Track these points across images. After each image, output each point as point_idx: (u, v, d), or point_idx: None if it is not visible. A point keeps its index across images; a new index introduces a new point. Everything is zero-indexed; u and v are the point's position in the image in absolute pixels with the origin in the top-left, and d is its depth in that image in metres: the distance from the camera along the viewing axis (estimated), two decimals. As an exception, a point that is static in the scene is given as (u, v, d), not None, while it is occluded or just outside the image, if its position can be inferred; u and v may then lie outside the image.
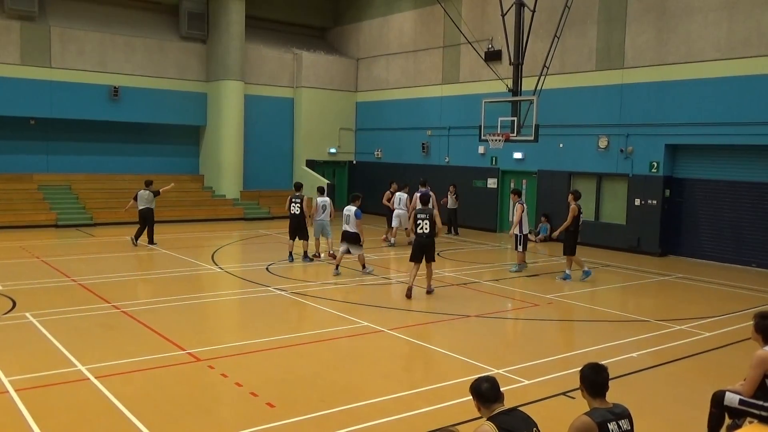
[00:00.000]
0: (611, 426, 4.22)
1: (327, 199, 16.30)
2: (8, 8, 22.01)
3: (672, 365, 8.77)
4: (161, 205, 23.26)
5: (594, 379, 4.43)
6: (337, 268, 14.56)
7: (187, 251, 17.50)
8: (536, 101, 17.33)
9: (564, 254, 14.63)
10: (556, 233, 14.64)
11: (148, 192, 18.06)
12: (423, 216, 12.40)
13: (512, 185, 21.71)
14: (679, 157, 18.44)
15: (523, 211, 15.27)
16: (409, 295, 12.28)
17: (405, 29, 26.35)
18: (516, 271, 15.40)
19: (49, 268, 14.40)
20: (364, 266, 14.75)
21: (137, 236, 17.94)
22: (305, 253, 16.27)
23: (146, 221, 18.02)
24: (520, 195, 16.14)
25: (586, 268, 14.60)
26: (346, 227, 14.45)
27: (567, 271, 14.65)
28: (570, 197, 14.57)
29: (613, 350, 9.30)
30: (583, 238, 19.66)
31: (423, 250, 12.44)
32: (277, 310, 11.62)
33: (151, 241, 18.09)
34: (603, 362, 8.81)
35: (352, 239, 14.36)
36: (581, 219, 14.44)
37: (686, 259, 18.02)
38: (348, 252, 14.61)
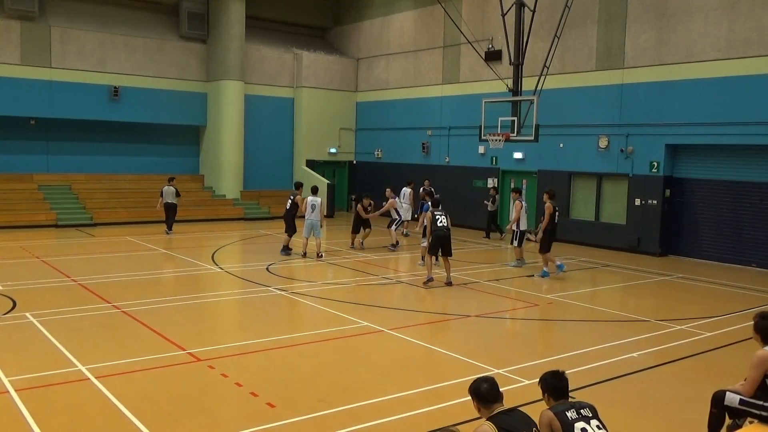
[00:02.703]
0: (569, 413, 4.46)
1: (318, 198, 16.66)
2: (8, 8, 22.00)
3: (672, 365, 8.76)
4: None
5: (555, 385, 4.73)
6: (423, 259, 15.42)
7: (187, 251, 17.50)
8: (536, 101, 17.33)
9: (539, 252, 14.98)
10: (538, 236, 14.88)
11: (171, 188, 20.36)
12: (440, 213, 13.63)
13: (512, 184, 21.74)
14: (679, 157, 18.43)
15: (521, 209, 15.71)
16: (429, 282, 13.39)
17: (405, 29, 26.35)
18: (515, 266, 15.83)
19: (49, 268, 14.40)
20: (423, 257, 15.45)
21: (168, 226, 20.45)
22: (284, 246, 17.00)
23: (170, 212, 20.41)
24: (519, 193, 16.65)
25: (558, 262, 14.87)
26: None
27: (545, 269, 14.92)
28: (545, 196, 14.99)
29: (613, 350, 9.30)
30: (583, 238, 19.90)
31: (441, 243, 13.43)
32: (278, 310, 11.62)
33: (169, 229, 20.49)
34: (603, 362, 8.85)
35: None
36: (557, 218, 14.85)
37: (686, 259, 18.01)
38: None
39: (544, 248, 14.78)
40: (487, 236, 21.36)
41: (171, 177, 21.27)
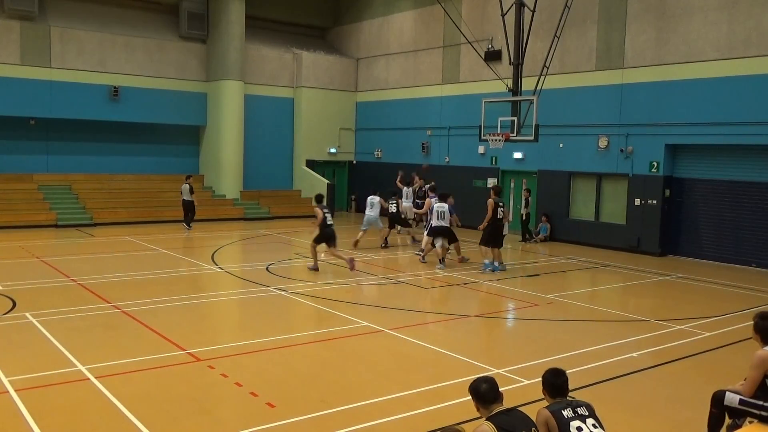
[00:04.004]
0: (565, 412, 4.50)
1: (376, 197, 18.68)
2: (8, 8, 21.99)
3: (672, 365, 8.76)
4: (161, 206, 23.47)
5: (553, 383, 4.77)
6: (440, 261, 15.77)
7: (187, 251, 17.50)
8: (536, 101, 17.32)
9: (480, 244, 15.41)
10: (481, 225, 15.30)
11: (187, 185, 21.42)
12: (327, 210, 14.82)
13: (512, 184, 21.55)
14: (679, 157, 18.43)
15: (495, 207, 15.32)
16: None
17: (405, 29, 26.35)
18: (492, 269, 15.25)
19: (49, 268, 14.40)
20: (462, 258, 16.34)
21: (187, 222, 21.59)
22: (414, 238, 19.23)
23: (186, 209, 21.54)
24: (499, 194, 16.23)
25: (496, 264, 15.27)
26: (441, 222, 15.74)
27: (486, 261, 15.29)
28: (491, 192, 15.53)
29: (613, 350, 9.30)
30: (583, 238, 19.94)
31: (327, 237, 14.65)
32: (277, 310, 11.62)
33: (187, 226, 21.57)
34: (603, 362, 8.84)
35: (447, 233, 15.88)
36: (500, 213, 15.20)
37: (686, 259, 18.01)
38: (443, 245, 15.80)
39: (484, 241, 15.21)
40: (524, 240, 20.75)
41: (188, 175, 22.19)
